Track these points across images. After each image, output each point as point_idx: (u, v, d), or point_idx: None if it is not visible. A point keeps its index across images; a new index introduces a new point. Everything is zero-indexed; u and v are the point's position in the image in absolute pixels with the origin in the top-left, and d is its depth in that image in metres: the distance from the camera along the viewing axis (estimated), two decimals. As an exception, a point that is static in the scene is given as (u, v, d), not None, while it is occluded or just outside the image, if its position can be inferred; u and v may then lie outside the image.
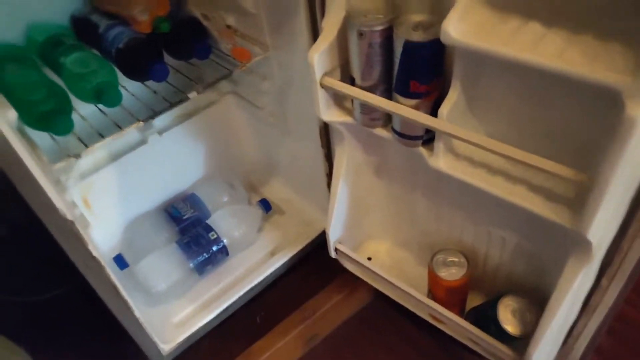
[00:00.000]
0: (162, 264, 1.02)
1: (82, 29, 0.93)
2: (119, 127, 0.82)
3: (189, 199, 1.14)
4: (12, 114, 0.69)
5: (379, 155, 0.84)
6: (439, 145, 0.63)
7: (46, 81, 0.77)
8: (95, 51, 0.90)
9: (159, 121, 1.05)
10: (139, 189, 1.10)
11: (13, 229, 1.19)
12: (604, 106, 0.45)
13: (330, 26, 0.67)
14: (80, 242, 0.71)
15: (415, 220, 0.91)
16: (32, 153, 0.68)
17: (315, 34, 0.79)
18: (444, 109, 0.59)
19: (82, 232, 0.71)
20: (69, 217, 0.68)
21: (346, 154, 0.84)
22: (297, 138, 1.04)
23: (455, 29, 0.52)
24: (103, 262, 0.76)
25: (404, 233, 0.98)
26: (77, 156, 0.75)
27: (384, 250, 1.03)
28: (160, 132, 1.07)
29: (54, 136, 0.77)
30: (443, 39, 0.52)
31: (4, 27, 0.86)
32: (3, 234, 1.18)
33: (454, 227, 0.85)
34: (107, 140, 0.79)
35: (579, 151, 0.52)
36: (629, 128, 0.42)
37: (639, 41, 0.44)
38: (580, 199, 0.52)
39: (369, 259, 1.01)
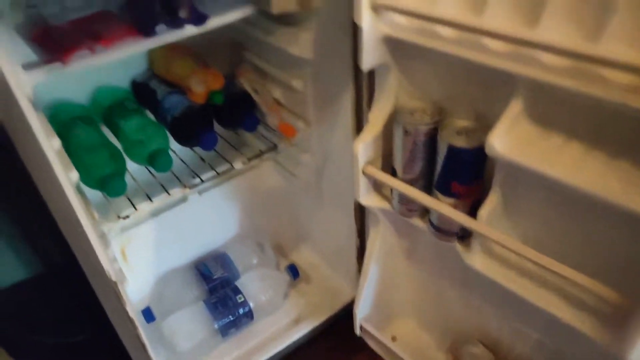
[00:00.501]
0: (189, 323, 1.03)
1: (142, 93, 1.00)
2: (165, 190, 0.86)
3: (220, 258, 1.16)
4: (75, 175, 0.74)
5: (412, 241, 0.86)
6: (475, 244, 0.65)
7: (107, 145, 0.83)
8: (150, 114, 0.96)
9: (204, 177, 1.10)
10: (174, 245, 1.13)
11: (50, 267, 1.23)
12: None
13: (377, 119, 0.71)
14: (120, 301, 0.74)
15: (442, 306, 0.91)
16: (87, 210, 0.73)
17: (358, 116, 0.83)
18: (484, 212, 0.61)
19: (122, 292, 0.74)
20: (114, 278, 0.71)
21: (380, 236, 0.86)
22: (331, 210, 1.07)
23: (501, 143, 0.55)
24: (137, 323, 0.78)
25: (430, 316, 0.98)
26: (126, 217, 0.79)
27: (409, 330, 1.03)
28: (200, 192, 1.11)
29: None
30: (488, 151, 0.55)
31: (75, 89, 0.94)
32: (41, 271, 1.22)
33: (481, 317, 0.84)
34: (154, 202, 0.83)
35: (622, 269, 0.53)
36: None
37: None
38: (619, 317, 0.52)
39: (394, 338, 1.00)
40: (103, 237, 0.93)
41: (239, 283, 1.10)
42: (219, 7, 0.78)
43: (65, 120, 0.88)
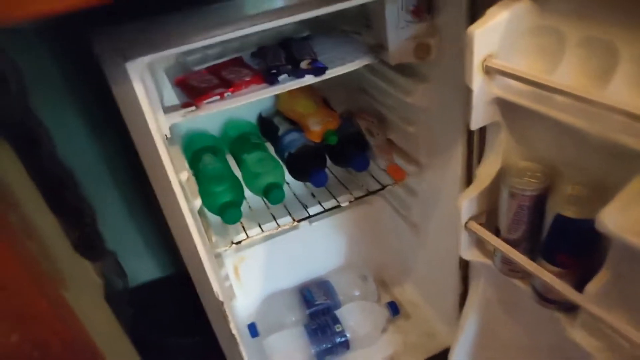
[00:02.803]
0: (288, 344, 1.09)
1: (265, 128, 1.09)
2: (275, 220, 0.93)
3: (324, 285, 1.21)
4: (198, 202, 0.84)
5: (513, 301, 0.82)
6: (580, 319, 0.61)
7: (230, 175, 0.92)
8: (271, 147, 1.04)
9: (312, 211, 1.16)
10: (282, 268, 1.20)
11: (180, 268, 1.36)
12: None
13: (485, 176, 0.70)
14: (225, 320, 0.81)
15: None
16: (204, 234, 0.82)
17: (469, 169, 0.82)
18: (592, 287, 0.57)
19: (227, 311, 0.81)
20: (221, 298, 0.78)
21: (481, 289, 0.83)
22: (436, 253, 1.05)
23: (615, 219, 0.51)
24: (239, 339, 0.85)
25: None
26: (238, 243, 0.87)
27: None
28: (311, 222, 1.17)
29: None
30: (598, 226, 0.52)
31: (209, 121, 1.05)
32: (174, 272, 1.34)
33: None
34: (265, 232, 0.90)
35: None
36: None
37: None
38: None
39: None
40: (218, 257, 1.02)
41: (339, 312, 1.14)
42: (339, 56, 0.83)
43: (197, 148, 1.00)
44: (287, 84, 0.77)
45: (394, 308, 1.17)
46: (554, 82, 0.53)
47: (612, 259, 0.56)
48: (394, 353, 1.12)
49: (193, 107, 0.73)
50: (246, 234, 0.90)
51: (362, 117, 1.05)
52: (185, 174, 0.75)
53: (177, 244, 0.70)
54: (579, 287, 0.59)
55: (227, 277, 1.04)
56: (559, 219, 0.58)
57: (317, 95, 1.08)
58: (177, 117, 0.72)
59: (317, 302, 1.17)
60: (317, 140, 0.98)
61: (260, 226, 0.92)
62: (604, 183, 0.57)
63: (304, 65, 0.78)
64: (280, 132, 1.03)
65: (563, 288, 0.60)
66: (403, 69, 0.86)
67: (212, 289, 0.77)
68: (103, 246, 0.85)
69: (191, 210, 0.74)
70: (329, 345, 1.09)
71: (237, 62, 0.85)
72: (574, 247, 0.60)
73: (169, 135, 0.72)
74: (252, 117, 1.14)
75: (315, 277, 1.26)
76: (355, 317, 1.13)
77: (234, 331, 0.84)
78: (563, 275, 0.62)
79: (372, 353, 1.13)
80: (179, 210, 0.67)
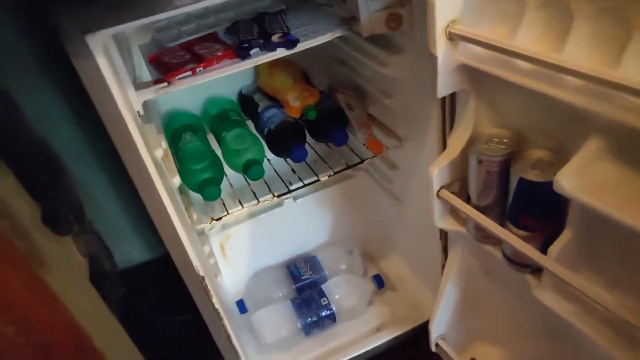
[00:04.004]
0: (275, 318, 1.11)
1: (246, 104, 1.09)
2: (255, 197, 0.94)
3: (310, 260, 1.22)
4: (177, 180, 0.85)
5: (490, 265, 0.83)
6: (545, 280, 0.62)
7: (209, 153, 0.92)
8: (252, 125, 1.04)
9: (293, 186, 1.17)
10: (268, 245, 1.22)
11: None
12: None
13: (455, 144, 0.71)
14: (207, 295, 0.83)
15: (522, 332, 0.86)
16: (183, 212, 0.83)
17: (444, 138, 0.82)
18: (554, 248, 0.58)
19: (209, 286, 0.82)
20: (202, 273, 0.80)
21: (459, 256, 0.85)
22: (418, 225, 1.07)
23: (571, 181, 0.52)
24: (222, 314, 0.87)
25: (513, 341, 0.94)
26: (218, 220, 0.88)
27: (491, 354, 0.99)
28: (295, 199, 1.18)
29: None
30: (555, 188, 0.53)
31: (189, 99, 1.06)
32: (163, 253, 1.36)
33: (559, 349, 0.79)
34: (245, 207, 0.91)
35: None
36: None
37: None
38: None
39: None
40: (202, 234, 1.03)
41: (325, 286, 1.15)
42: (312, 29, 0.83)
43: (177, 127, 1.00)
44: (259, 58, 0.77)
45: (379, 281, 1.18)
46: (512, 45, 0.54)
47: (572, 220, 0.57)
48: (380, 324, 1.14)
49: (165, 84, 0.74)
50: (226, 210, 0.91)
51: (341, 91, 1.05)
52: (161, 152, 0.75)
53: (154, 221, 0.71)
54: (545, 249, 0.61)
55: (211, 255, 1.06)
56: (522, 182, 0.59)
57: (297, 70, 1.08)
58: (149, 94, 0.73)
59: (303, 277, 1.19)
60: (297, 116, 0.98)
61: (240, 202, 0.93)
62: (566, 147, 0.58)
63: (275, 38, 0.78)
64: (260, 109, 1.03)
65: (527, 250, 0.61)
66: (377, 40, 0.86)
67: (192, 264, 0.79)
68: (70, 220, 0.85)
69: (168, 188, 0.75)
70: (315, 319, 1.10)
71: (211, 38, 0.85)
72: (537, 210, 0.61)
73: (141, 112, 0.72)
74: (233, 95, 1.14)
75: (302, 253, 1.27)
76: (341, 290, 1.15)
77: (217, 305, 0.85)
78: (529, 239, 0.63)
79: (358, 325, 1.15)
80: (154, 187, 0.68)
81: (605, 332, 0.59)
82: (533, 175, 0.59)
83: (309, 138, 1.02)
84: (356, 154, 1.02)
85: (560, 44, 0.52)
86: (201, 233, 1.06)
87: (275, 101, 1.04)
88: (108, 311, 0.92)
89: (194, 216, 0.89)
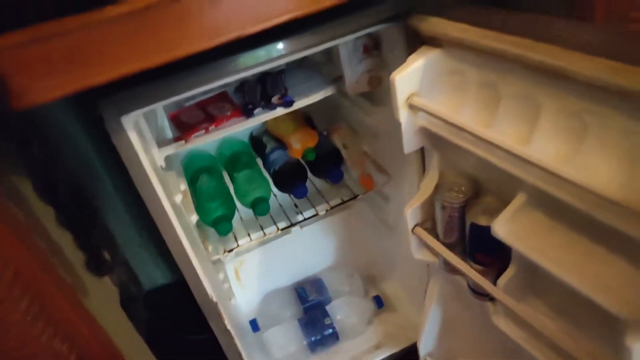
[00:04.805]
0: (284, 337, 1.24)
1: (256, 145, 1.23)
2: (262, 229, 1.08)
3: (316, 283, 1.35)
4: (194, 217, 0.99)
5: (459, 293, 0.94)
6: (499, 307, 0.74)
7: (222, 193, 1.07)
8: (260, 162, 1.18)
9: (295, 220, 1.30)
10: (278, 269, 1.35)
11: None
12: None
13: (426, 188, 0.83)
14: (220, 318, 0.96)
15: (489, 354, 0.96)
16: (199, 245, 0.97)
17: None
18: (502, 280, 0.70)
19: (222, 310, 0.96)
20: (215, 299, 0.94)
21: (438, 282, 0.96)
22: (408, 252, 1.18)
23: (504, 228, 0.64)
24: (234, 334, 1.00)
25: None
26: (230, 251, 1.02)
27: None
28: (302, 226, 1.31)
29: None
30: (492, 232, 0.65)
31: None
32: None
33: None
34: (253, 240, 1.05)
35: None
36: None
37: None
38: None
39: (459, 375, 1.09)
40: (217, 262, 1.18)
41: (329, 307, 1.28)
42: (307, 88, 0.97)
43: (196, 168, 1.15)
44: (262, 116, 0.92)
45: (378, 301, 1.30)
46: (456, 119, 0.66)
47: (515, 256, 0.69)
48: (378, 342, 1.26)
49: (183, 142, 0.88)
50: (237, 242, 1.05)
51: (339, 133, 1.19)
52: (180, 196, 0.90)
53: (173, 255, 0.85)
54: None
55: (225, 280, 1.20)
56: (473, 226, 0.71)
57: (300, 115, 1.22)
58: (170, 150, 0.88)
59: (310, 299, 1.32)
60: (298, 157, 1.12)
61: (249, 235, 1.07)
62: (508, 197, 0.70)
63: (275, 100, 0.92)
64: (267, 150, 1.17)
65: (482, 282, 0.73)
66: (364, 93, 0.99)
67: (206, 292, 0.93)
68: (109, 264, 1.00)
69: (185, 226, 0.89)
70: (319, 337, 1.23)
71: (222, 97, 0.99)
72: (488, 248, 0.73)
73: (164, 166, 0.87)
74: (245, 136, 1.29)
75: (309, 276, 1.40)
76: (343, 310, 1.27)
77: (228, 327, 0.99)
78: (484, 272, 0.75)
79: (359, 343, 1.26)
80: (172, 227, 0.82)
81: (551, 356, 0.69)
82: (483, 220, 0.71)
83: (310, 174, 1.16)
84: (350, 189, 1.15)
85: (491, 119, 0.64)
86: (217, 261, 1.20)
87: (281, 142, 1.17)
88: (135, 331, 1.06)
89: (210, 248, 1.03)
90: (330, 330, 1.23)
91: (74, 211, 0.85)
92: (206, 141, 0.91)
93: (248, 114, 0.91)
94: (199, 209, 1.03)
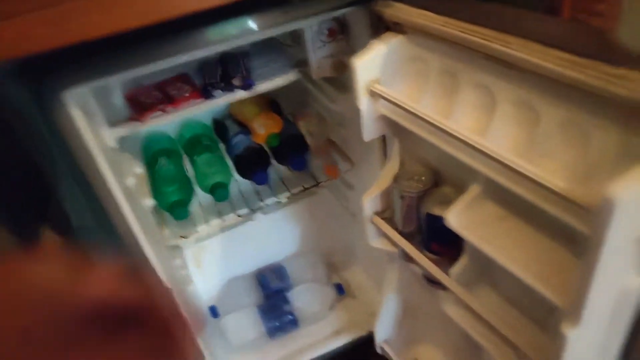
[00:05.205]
0: (242, 323, 1.23)
1: (218, 129, 1.21)
2: (220, 216, 1.06)
3: (278, 270, 1.34)
4: (150, 202, 0.96)
5: (417, 278, 0.95)
6: (449, 296, 0.74)
7: (181, 176, 1.04)
8: (223, 147, 1.16)
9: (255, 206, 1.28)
10: (240, 255, 1.34)
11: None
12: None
13: (385, 177, 0.83)
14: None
15: (451, 338, 0.97)
16: (153, 230, 0.94)
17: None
18: (454, 270, 0.70)
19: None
20: (169, 285, 0.91)
21: (396, 269, 0.96)
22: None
23: (457, 218, 0.64)
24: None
25: (448, 342, 1.05)
26: (185, 237, 1.00)
27: (430, 355, 1.11)
28: (265, 213, 1.30)
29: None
30: (445, 223, 0.64)
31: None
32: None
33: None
34: (211, 225, 1.03)
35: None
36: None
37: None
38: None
39: (415, 361, 1.10)
40: (176, 248, 1.15)
41: (290, 294, 1.27)
42: (270, 72, 0.94)
43: (154, 150, 1.11)
44: (221, 99, 0.89)
45: (339, 288, 1.30)
46: (414, 107, 0.65)
47: (467, 246, 0.69)
48: (338, 329, 1.26)
49: (138, 122, 0.85)
50: (195, 228, 1.03)
51: (304, 119, 1.17)
52: (132, 179, 0.87)
53: (122, 238, 0.83)
54: (451, 270, 0.72)
55: (183, 266, 1.18)
56: (428, 216, 0.71)
57: (265, 100, 1.20)
58: (122, 131, 0.84)
59: (271, 285, 1.31)
60: (262, 142, 1.10)
61: (207, 222, 1.05)
62: (465, 187, 0.69)
63: (235, 82, 0.90)
64: (230, 134, 1.15)
65: (434, 271, 0.73)
66: (329, 79, 0.97)
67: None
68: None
69: (138, 209, 0.86)
70: (278, 323, 1.22)
71: (182, 78, 0.96)
72: (443, 238, 0.73)
73: (115, 146, 0.84)
74: (207, 119, 1.25)
75: (272, 263, 1.39)
76: (304, 297, 1.26)
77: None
78: (439, 262, 0.75)
79: (319, 329, 1.26)
80: (121, 210, 0.79)
81: (497, 343, 0.69)
82: (437, 210, 0.70)
83: (274, 161, 1.14)
84: (313, 177, 1.13)
85: (451, 108, 0.64)
86: (175, 247, 1.18)
87: (245, 127, 1.15)
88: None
89: (166, 232, 1.01)
90: (290, 317, 1.23)
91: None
92: (164, 123, 0.88)
93: (207, 95, 0.89)
94: (155, 192, 1.00)
